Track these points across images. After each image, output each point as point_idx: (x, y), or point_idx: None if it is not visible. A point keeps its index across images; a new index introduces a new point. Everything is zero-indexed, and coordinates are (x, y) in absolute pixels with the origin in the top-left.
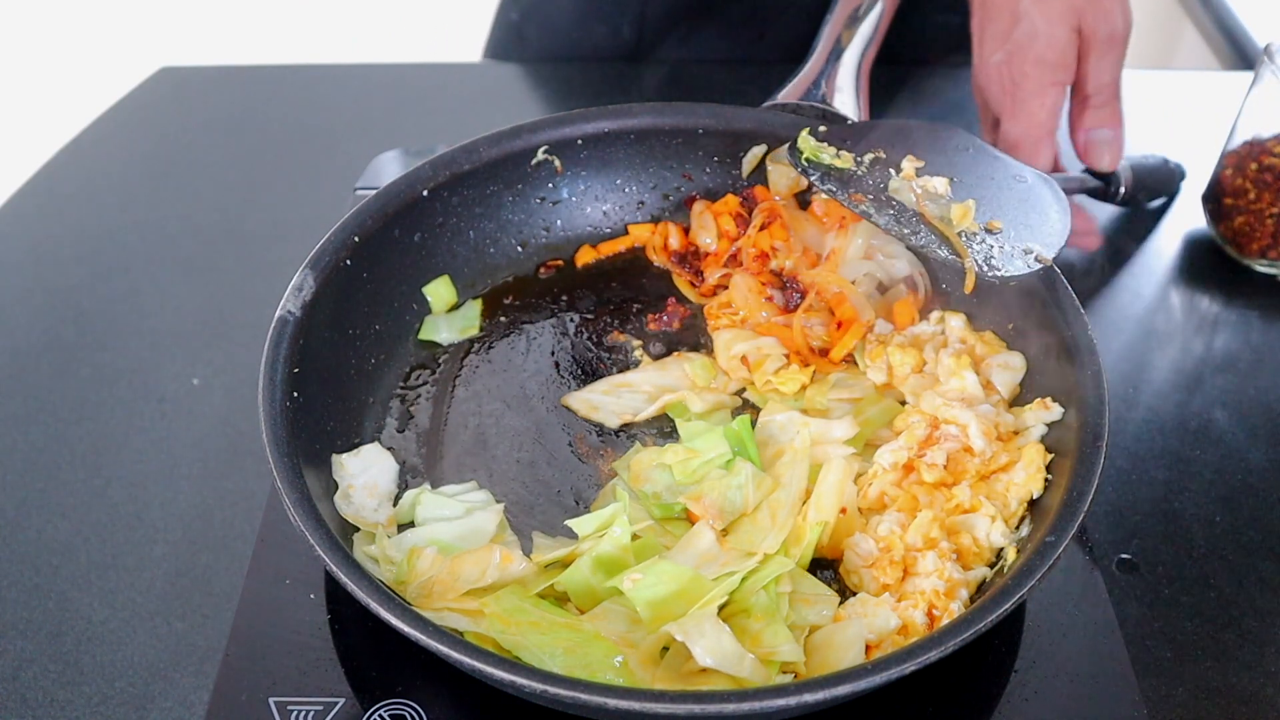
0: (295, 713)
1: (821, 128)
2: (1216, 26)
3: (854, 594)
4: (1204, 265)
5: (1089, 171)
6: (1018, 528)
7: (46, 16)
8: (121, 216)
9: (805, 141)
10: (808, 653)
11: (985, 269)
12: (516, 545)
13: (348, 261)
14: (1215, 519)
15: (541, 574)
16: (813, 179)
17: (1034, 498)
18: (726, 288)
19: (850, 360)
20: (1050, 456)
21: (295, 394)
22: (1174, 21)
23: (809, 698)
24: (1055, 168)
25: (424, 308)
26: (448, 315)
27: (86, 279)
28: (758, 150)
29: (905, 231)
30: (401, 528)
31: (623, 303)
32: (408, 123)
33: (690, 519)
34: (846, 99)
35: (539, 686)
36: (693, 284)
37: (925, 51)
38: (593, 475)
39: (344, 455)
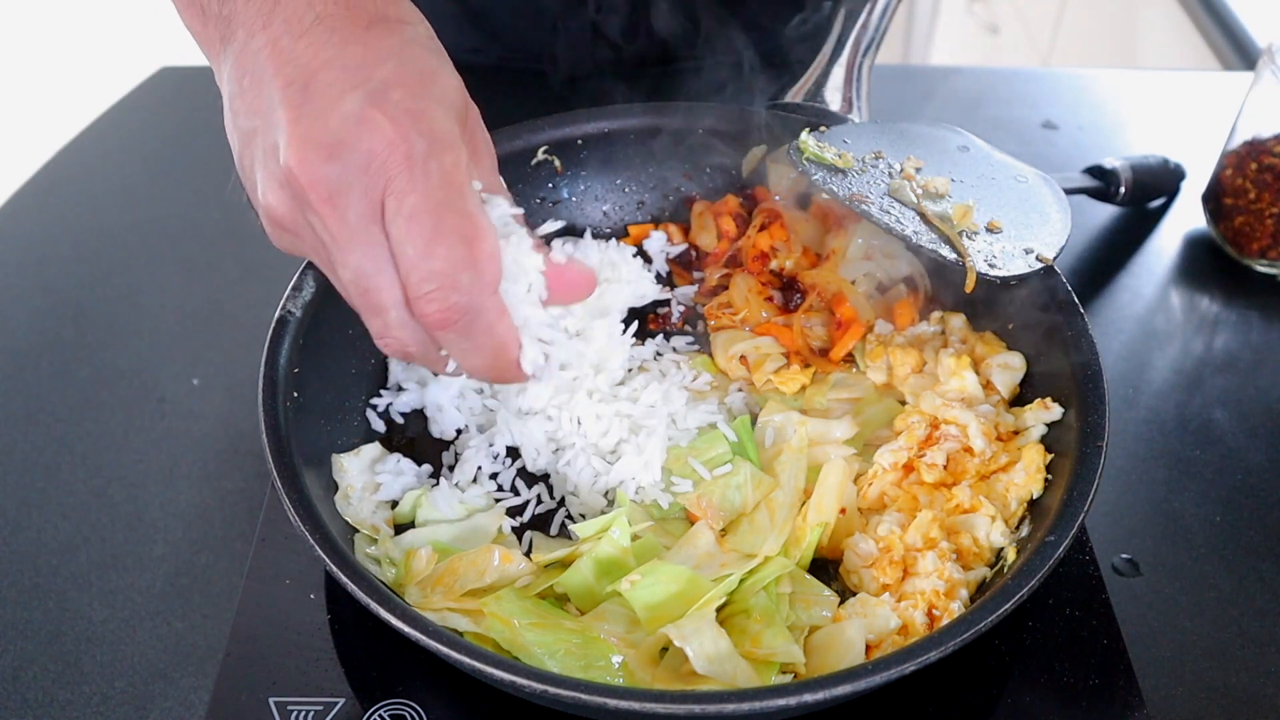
0: (295, 713)
1: (822, 128)
2: (1216, 26)
3: (854, 594)
4: (1204, 265)
5: (1089, 171)
6: (1018, 528)
7: (47, 16)
8: (121, 216)
9: (806, 142)
10: (808, 653)
11: (986, 268)
12: (516, 546)
13: None
14: (1215, 519)
15: (541, 575)
16: (813, 179)
17: (1034, 498)
18: (726, 288)
19: (850, 360)
20: (1050, 456)
21: (295, 394)
22: (1174, 21)
23: (809, 698)
24: None
25: None
26: None
27: (86, 279)
28: (758, 150)
29: (906, 231)
30: (402, 528)
31: None
32: None
33: (690, 519)
34: (847, 99)
35: (539, 686)
36: (693, 284)
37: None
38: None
39: (344, 455)
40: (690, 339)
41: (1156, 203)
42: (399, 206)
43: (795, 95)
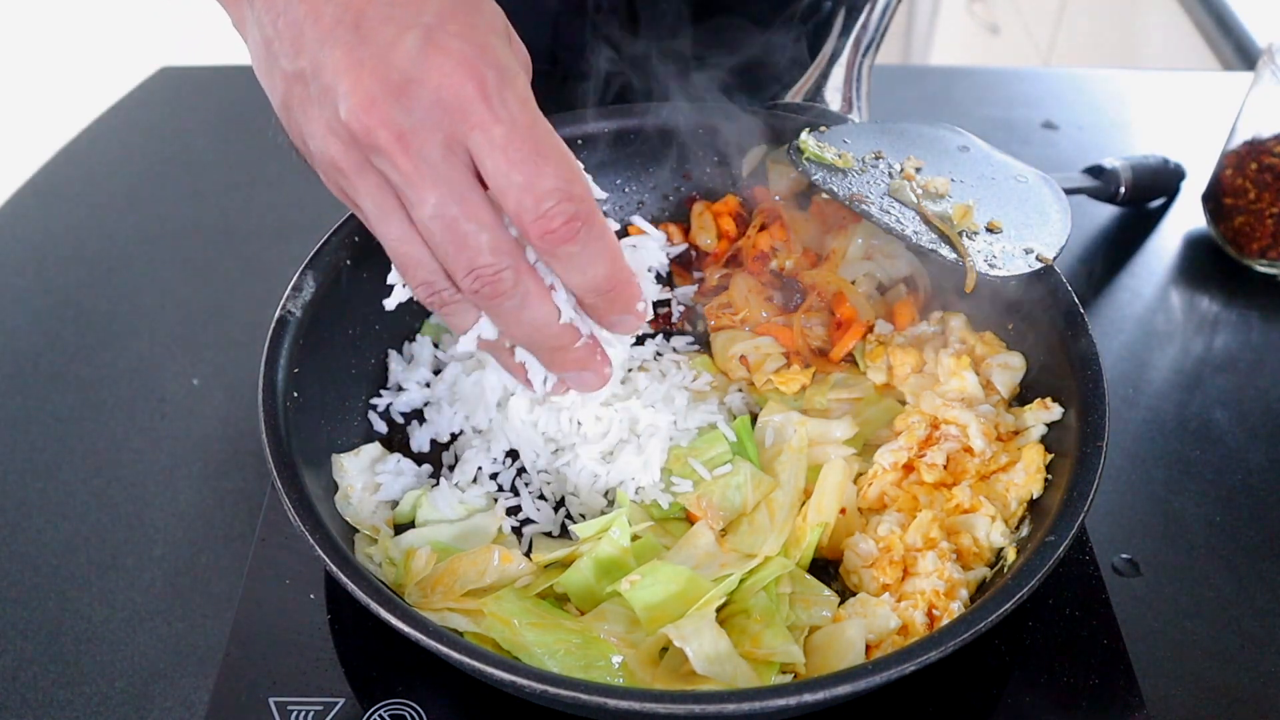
0: (295, 713)
1: (822, 128)
2: (1216, 26)
3: (854, 594)
4: (1204, 265)
5: (1088, 171)
6: (1018, 528)
7: (47, 16)
8: (121, 216)
9: (806, 141)
10: (808, 653)
11: (986, 268)
12: (516, 546)
13: (348, 261)
14: (1215, 519)
15: (541, 575)
16: (813, 179)
17: (1034, 498)
18: (726, 288)
19: (850, 360)
20: (1050, 456)
21: (295, 394)
22: (1174, 21)
23: (809, 698)
24: None
25: (424, 307)
26: None
27: (86, 279)
28: (758, 150)
29: (905, 231)
30: (402, 528)
31: None
32: None
33: (690, 519)
34: (847, 99)
35: (539, 686)
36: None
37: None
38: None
39: (344, 455)
40: (690, 339)
41: (1156, 203)
42: (488, 139)
43: (795, 95)
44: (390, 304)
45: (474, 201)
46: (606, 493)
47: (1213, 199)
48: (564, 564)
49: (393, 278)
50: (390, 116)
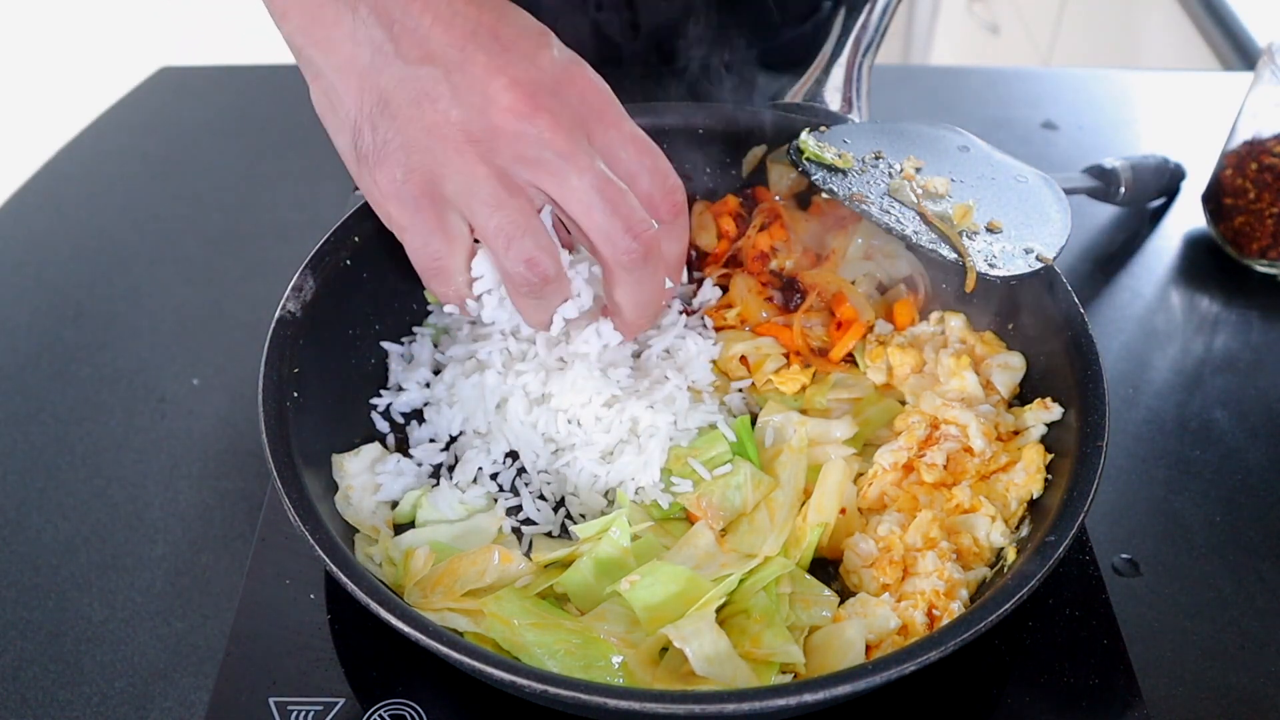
0: (295, 713)
1: (822, 128)
2: (1216, 26)
3: (854, 594)
4: (1204, 265)
5: (1088, 171)
6: (1018, 528)
7: (47, 16)
8: (121, 216)
9: (806, 141)
10: (808, 653)
11: (986, 268)
12: (516, 546)
13: (348, 261)
14: (1215, 519)
15: (541, 575)
16: (813, 179)
17: (1034, 498)
18: (726, 288)
19: (850, 360)
20: (1050, 456)
21: (295, 394)
22: (1174, 21)
23: (809, 698)
24: None
25: (423, 308)
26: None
27: (86, 279)
28: (758, 150)
29: (906, 231)
30: (402, 528)
31: None
32: None
33: (690, 519)
34: (847, 99)
35: (539, 686)
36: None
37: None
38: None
39: (344, 455)
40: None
41: (1156, 203)
42: (621, 134)
43: (795, 95)
44: (487, 316)
45: (608, 174)
46: (606, 493)
47: (1213, 199)
48: (564, 564)
49: (480, 285)
50: (549, 106)
